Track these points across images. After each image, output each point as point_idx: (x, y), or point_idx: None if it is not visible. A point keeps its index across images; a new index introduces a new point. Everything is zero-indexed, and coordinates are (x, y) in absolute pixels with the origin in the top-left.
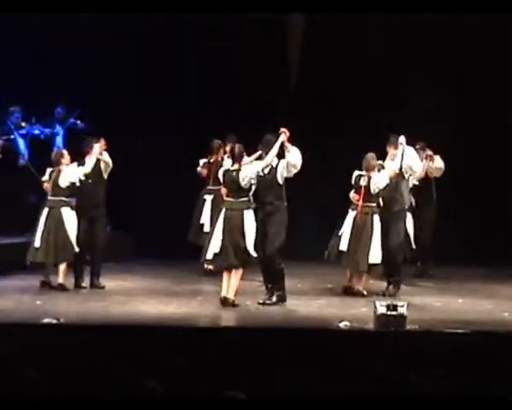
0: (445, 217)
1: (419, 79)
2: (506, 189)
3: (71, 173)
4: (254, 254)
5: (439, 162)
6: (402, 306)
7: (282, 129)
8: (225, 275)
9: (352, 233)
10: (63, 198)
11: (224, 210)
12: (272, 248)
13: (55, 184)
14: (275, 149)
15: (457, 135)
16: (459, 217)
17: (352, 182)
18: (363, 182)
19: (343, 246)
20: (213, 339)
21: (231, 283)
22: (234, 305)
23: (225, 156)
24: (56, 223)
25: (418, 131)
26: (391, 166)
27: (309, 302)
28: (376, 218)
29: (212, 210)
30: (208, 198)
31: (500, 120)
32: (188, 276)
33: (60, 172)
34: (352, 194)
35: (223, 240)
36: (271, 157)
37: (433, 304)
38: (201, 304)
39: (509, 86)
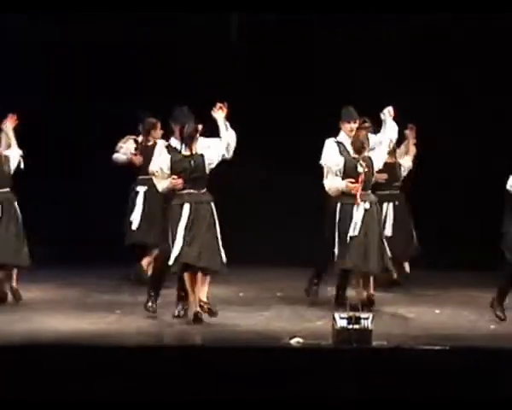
0: (421, 214)
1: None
2: (486, 189)
3: None
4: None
5: (407, 161)
6: (366, 318)
7: (219, 104)
8: (192, 281)
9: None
10: None
11: (187, 205)
12: None
13: None
14: (223, 128)
15: (439, 133)
16: (435, 215)
17: (334, 169)
18: (361, 168)
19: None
20: (139, 361)
21: (203, 289)
22: (211, 313)
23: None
24: None
25: None
26: (382, 139)
27: (253, 315)
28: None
29: (144, 204)
30: (141, 190)
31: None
32: (103, 285)
33: None
34: (347, 184)
35: (193, 240)
36: (226, 136)
37: (404, 315)
38: (120, 319)
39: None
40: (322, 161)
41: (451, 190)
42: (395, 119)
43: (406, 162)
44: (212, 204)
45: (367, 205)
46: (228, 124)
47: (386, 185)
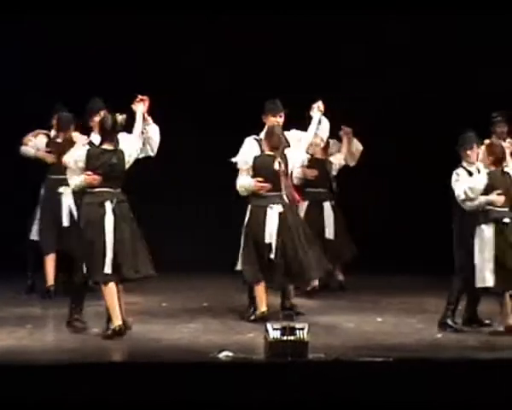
0: (360, 214)
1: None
2: (432, 187)
3: None
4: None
5: (358, 144)
6: (302, 328)
7: (141, 96)
8: (116, 292)
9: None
10: None
11: (108, 204)
12: None
13: None
14: (139, 122)
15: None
16: (376, 215)
17: (243, 167)
18: (277, 166)
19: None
20: (57, 379)
21: (121, 301)
22: (126, 327)
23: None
24: None
25: None
26: (304, 135)
27: (178, 327)
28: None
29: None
30: (66, 191)
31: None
32: (13, 297)
33: None
34: (255, 183)
35: (122, 245)
36: (139, 131)
37: (343, 325)
38: (32, 334)
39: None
40: (235, 159)
41: (387, 191)
42: (325, 114)
43: (337, 160)
44: (128, 204)
45: (279, 208)
46: (150, 118)
47: (317, 183)
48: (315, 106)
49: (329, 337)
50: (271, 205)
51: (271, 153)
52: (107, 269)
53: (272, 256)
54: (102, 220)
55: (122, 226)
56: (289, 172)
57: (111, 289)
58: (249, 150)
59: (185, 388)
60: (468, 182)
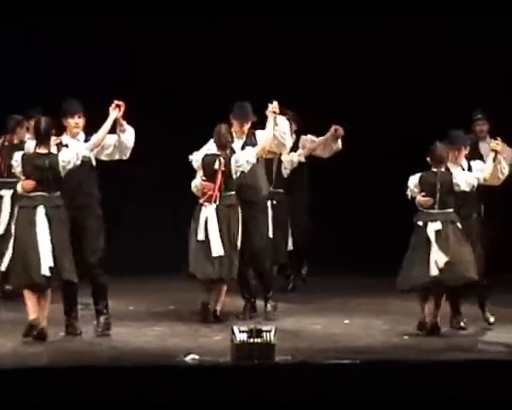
0: (324, 213)
1: None
2: (394, 186)
3: None
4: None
5: (339, 145)
6: (269, 331)
7: (117, 101)
8: (33, 296)
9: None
10: None
11: (41, 209)
12: (97, 256)
13: None
14: (106, 127)
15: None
16: (342, 214)
17: (195, 165)
18: (217, 165)
19: (216, 251)
20: (18, 383)
21: (45, 307)
22: (42, 336)
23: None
24: None
25: None
26: (260, 135)
27: (144, 330)
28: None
29: (12, 210)
30: (7, 194)
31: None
32: None
33: None
34: (201, 182)
35: (53, 247)
36: (100, 136)
37: (310, 327)
38: None
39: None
40: (190, 158)
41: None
42: (281, 114)
43: (289, 158)
44: (64, 209)
45: (214, 206)
46: (125, 123)
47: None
48: (269, 108)
49: (296, 340)
50: (206, 203)
51: (218, 152)
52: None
53: (213, 253)
54: (34, 224)
55: (54, 228)
56: (233, 172)
57: (27, 293)
58: (204, 149)
59: (151, 391)
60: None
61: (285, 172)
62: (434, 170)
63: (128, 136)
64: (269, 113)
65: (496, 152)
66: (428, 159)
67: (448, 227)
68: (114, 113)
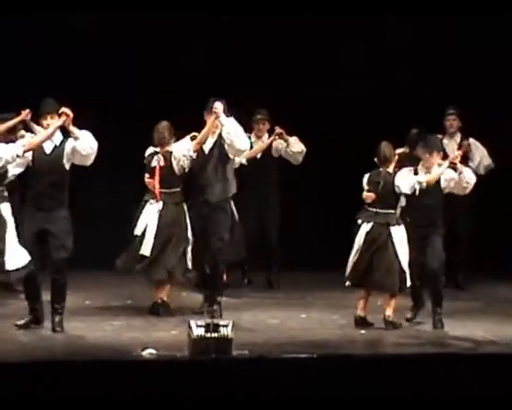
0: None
1: None
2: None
3: None
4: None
5: (297, 144)
6: (226, 325)
7: (64, 109)
8: None
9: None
10: None
11: None
12: (66, 253)
13: None
14: (45, 133)
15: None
16: (300, 209)
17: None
18: (154, 162)
19: (145, 250)
20: None
21: None
22: None
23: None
24: None
25: None
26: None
27: (101, 324)
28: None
29: None
30: None
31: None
32: None
33: None
34: (147, 180)
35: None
36: (35, 142)
37: (267, 321)
38: None
39: None
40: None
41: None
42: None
43: (296, 146)
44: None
45: (159, 205)
46: (75, 130)
47: None
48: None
49: (254, 334)
50: (151, 201)
51: (158, 149)
52: None
53: (144, 251)
54: None
55: None
56: (175, 168)
57: None
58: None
59: (108, 386)
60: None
61: None
62: (380, 169)
63: (83, 144)
64: (213, 114)
65: (454, 164)
66: (375, 159)
67: (379, 230)
68: (58, 121)
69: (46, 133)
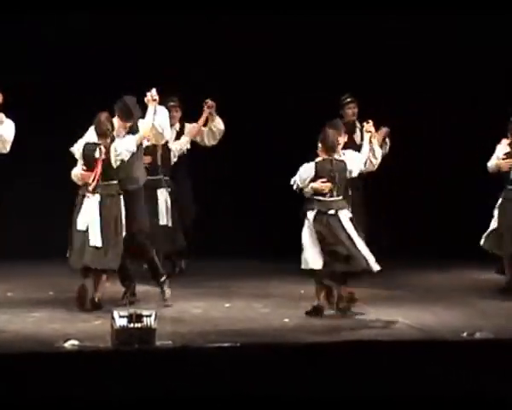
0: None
1: None
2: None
3: None
4: None
5: (221, 123)
6: (149, 315)
7: None
8: None
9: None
10: None
11: None
12: None
13: None
14: None
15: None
16: (218, 199)
17: (77, 155)
18: (97, 153)
19: (96, 241)
20: None
21: None
22: None
23: None
24: None
25: None
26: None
27: (22, 316)
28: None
29: None
30: None
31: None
32: None
33: None
34: (81, 172)
35: None
36: None
37: (190, 311)
38: None
39: None
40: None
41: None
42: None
43: (176, 145)
44: None
45: (97, 197)
46: (3, 115)
47: (151, 170)
48: (148, 96)
49: (177, 324)
50: (88, 194)
51: (98, 141)
52: None
53: (96, 242)
54: None
55: None
56: (113, 160)
57: None
58: (85, 139)
59: (29, 379)
60: (300, 170)
61: (173, 161)
62: (328, 157)
63: (6, 129)
64: (149, 101)
65: (370, 133)
66: (320, 146)
67: (336, 216)
68: None
69: None
